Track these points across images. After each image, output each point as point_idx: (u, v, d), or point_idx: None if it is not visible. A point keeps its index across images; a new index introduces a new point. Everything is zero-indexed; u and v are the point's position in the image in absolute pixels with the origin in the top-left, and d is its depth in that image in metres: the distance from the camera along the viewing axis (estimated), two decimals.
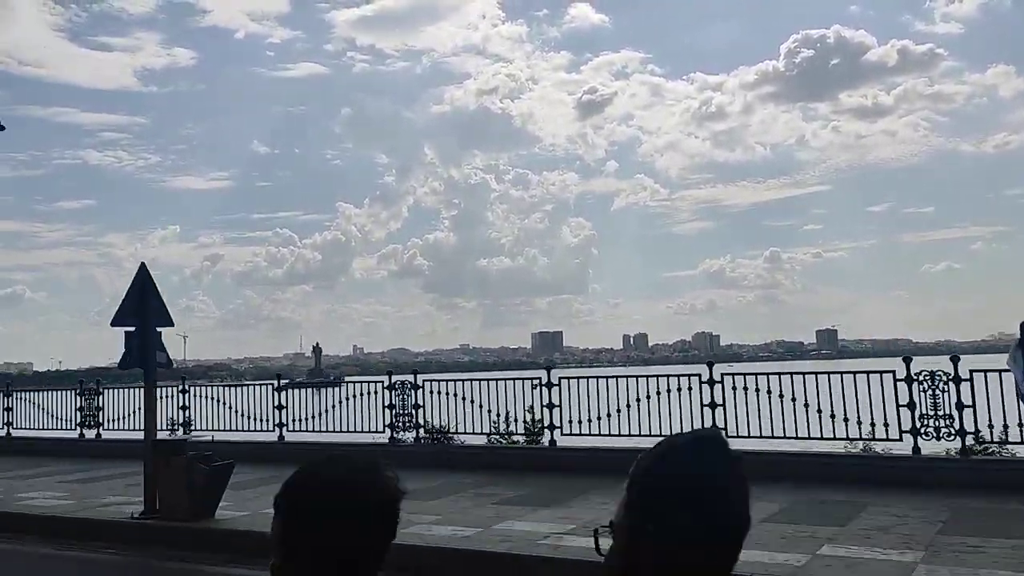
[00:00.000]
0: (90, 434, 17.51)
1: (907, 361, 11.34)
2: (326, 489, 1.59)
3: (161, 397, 16.60)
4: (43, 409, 18.69)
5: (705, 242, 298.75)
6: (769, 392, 11.92)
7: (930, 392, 10.98)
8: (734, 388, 12.11)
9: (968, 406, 10.74)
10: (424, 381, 14.55)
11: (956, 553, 7.32)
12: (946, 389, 10.89)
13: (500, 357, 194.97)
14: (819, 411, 11.44)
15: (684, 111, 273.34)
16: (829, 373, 11.92)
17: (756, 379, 12.23)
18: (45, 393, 19.68)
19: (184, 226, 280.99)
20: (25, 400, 19.43)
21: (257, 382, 19.32)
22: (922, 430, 10.97)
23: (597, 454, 12.49)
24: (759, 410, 11.95)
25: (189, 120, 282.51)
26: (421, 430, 14.04)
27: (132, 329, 10.79)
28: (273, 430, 15.36)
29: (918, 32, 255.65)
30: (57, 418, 18.28)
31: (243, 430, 15.74)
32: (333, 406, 15.23)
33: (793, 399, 11.69)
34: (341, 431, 14.87)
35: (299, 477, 1.64)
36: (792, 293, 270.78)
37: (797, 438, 11.81)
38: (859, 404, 11.36)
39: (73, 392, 18.24)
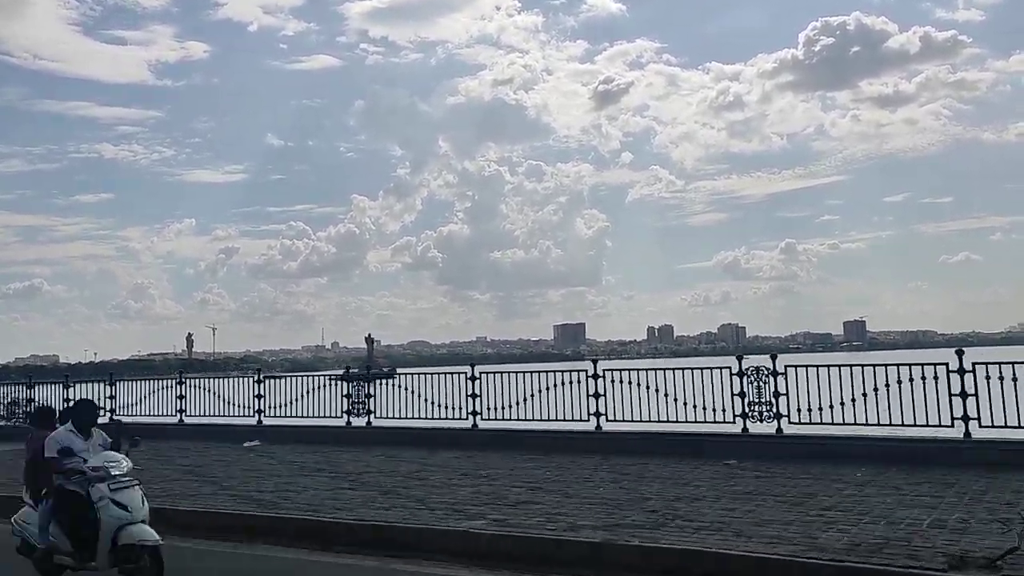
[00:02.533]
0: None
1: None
2: None
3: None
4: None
5: (720, 234, 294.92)
6: None
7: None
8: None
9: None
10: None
11: None
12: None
13: (524, 349, 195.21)
14: None
15: (701, 101, 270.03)
16: None
17: None
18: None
19: (200, 219, 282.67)
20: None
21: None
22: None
23: None
24: None
25: (203, 113, 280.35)
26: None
27: None
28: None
29: (940, 19, 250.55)
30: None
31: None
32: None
33: None
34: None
35: None
36: (808, 285, 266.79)
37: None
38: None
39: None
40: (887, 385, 12.53)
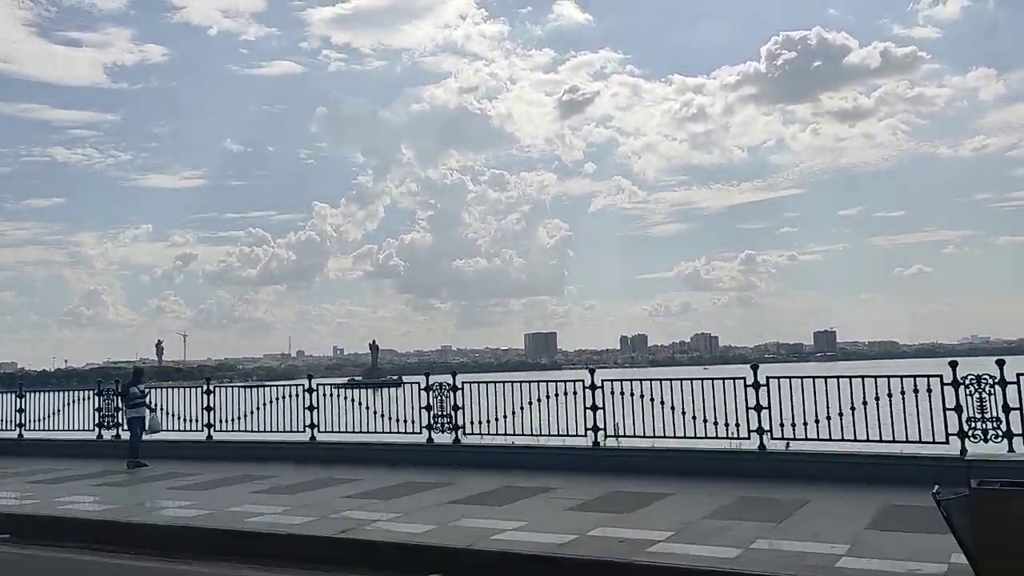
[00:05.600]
0: None
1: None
2: None
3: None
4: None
5: (680, 244, 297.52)
6: None
7: None
8: None
9: None
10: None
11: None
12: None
13: (496, 358, 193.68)
14: None
15: (664, 113, 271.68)
16: None
17: None
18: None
19: (156, 225, 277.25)
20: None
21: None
22: None
23: None
24: None
25: (161, 118, 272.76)
26: None
27: None
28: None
29: (898, 35, 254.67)
30: None
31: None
32: None
33: None
34: None
35: None
36: (767, 296, 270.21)
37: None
38: None
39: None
40: None
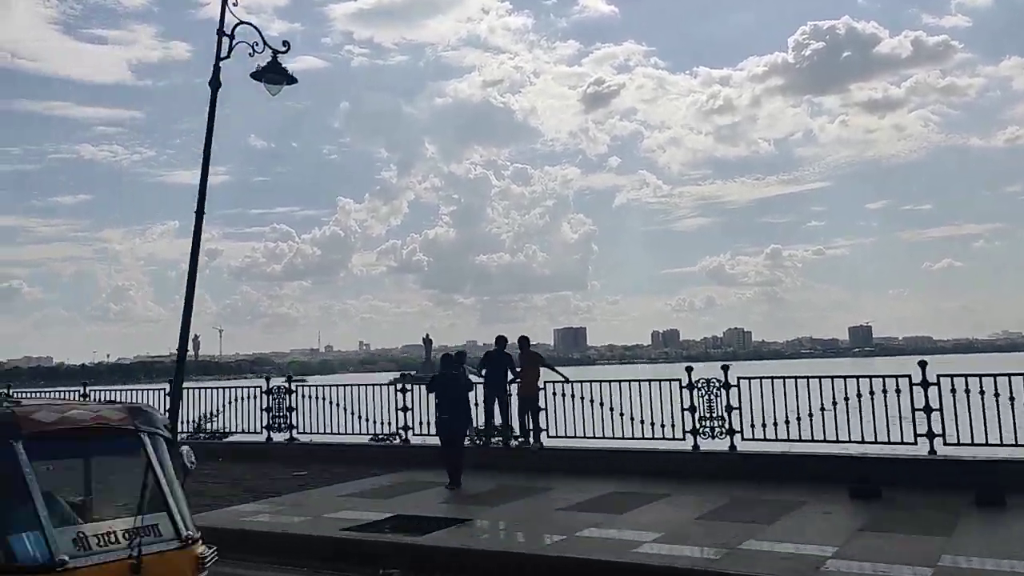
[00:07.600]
0: None
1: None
2: None
3: None
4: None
5: (705, 239, 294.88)
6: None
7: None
8: None
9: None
10: None
11: None
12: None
13: None
14: None
15: (690, 105, 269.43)
16: None
17: None
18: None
19: (182, 221, 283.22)
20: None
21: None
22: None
23: None
24: None
25: (185, 114, 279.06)
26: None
27: None
28: None
29: (927, 24, 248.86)
30: None
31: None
32: None
33: None
34: None
35: None
36: (792, 291, 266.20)
37: None
38: None
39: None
40: None
